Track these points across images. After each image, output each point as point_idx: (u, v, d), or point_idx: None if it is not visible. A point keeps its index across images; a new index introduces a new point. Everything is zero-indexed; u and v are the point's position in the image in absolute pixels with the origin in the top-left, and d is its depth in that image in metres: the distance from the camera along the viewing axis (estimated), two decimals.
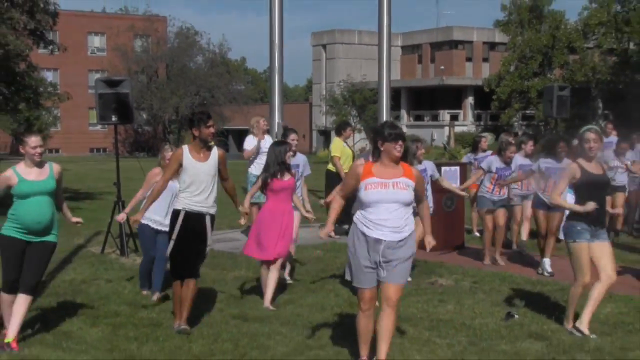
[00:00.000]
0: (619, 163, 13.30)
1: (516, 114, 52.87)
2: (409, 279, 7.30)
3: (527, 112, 52.87)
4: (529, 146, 11.75)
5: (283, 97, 15.12)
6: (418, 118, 60.03)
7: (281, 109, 14.44)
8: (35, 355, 6.65)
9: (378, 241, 6.14)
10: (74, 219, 7.30)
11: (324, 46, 65.26)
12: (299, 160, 10.30)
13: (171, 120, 60.58)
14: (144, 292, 9.09)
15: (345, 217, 13.85)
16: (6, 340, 6.74)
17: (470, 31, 63.09)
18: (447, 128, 52.12)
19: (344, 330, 7.43)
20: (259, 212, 8.85)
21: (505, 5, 53.89)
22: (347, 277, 6.41)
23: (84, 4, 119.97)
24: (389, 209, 6.14)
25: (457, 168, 11.88)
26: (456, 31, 62.53)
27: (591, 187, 7.45)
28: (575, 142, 11.25)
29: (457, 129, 52.29)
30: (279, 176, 8.60)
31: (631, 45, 50.80)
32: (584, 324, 7.36)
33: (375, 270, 6.20)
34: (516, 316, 7.94)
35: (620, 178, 13.43)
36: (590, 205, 7.28)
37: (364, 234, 6.19)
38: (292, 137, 10.09)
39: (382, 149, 6.23)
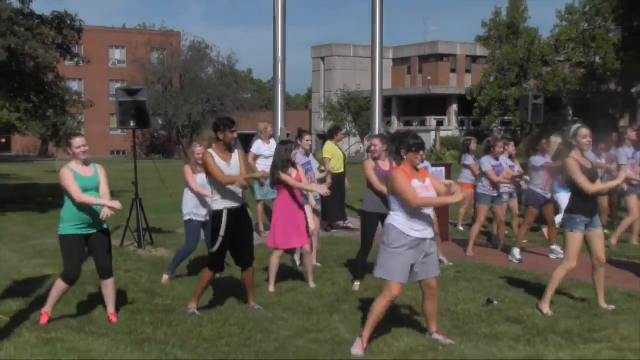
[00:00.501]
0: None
1: (495, 120, 52.91)
2: None
3: (505, 118, 52.87)
4: (511, 147, 11.85)
5: (285, 104, 15.09)
6: (407, 123, 59.98)
7: (284, 116, 14.41)
8: (61, 337, 6.62)
9: (423, 240, 6.31)
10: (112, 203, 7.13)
11: (323, 58, 65.27)
12: (311, 158, 10.47)
13: (184, 125, 60.51)
14: (166, 276, 9.11)
15: (341, 213, 13.92)
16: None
17: (454, 45, 63.12)
18: (433, 133, 52.14)
19: (341, 315, 7.42)
20: (277, 206, 8.78)
21: (485, 22, 53.97)
22: (379, 274, 6.40)
23: (106, 20, 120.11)
24: (428, 210, 6.36)
25: (443, 168, 11.83)
26: (442, 45, 62.57)
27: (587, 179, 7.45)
28: (554, 141, 11.33)
29: (443, 134, 52.35)
30: (285, 172, 8.57)
31: (597, 59, 50.87)
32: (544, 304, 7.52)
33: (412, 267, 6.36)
34: (495, 302, 7.90)
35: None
36: (623, 174, 7.75)
37: (409, 235, 6.24)
38: (307, 138, 10.52)
39: (405, 157, 6.33)
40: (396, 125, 58.80)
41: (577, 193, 7.49)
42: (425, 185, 6.33)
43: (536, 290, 8.52)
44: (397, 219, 6.28)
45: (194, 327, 7.00)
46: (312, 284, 8.79)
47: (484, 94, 51.97)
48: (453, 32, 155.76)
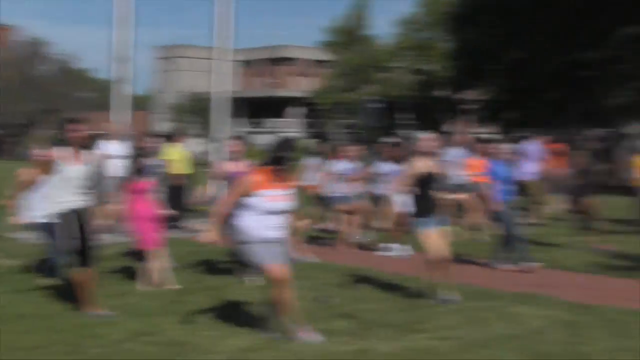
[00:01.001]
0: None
1: (338, 123, 53.98)
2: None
3: (348, 121, 54.05)
4: (353, 151, 12.23)
5: (130, 105, 14.82)
6: (255, 125, 60.11)
7: (128, 116, 14.15)
8: None
9: (275, 240, 6.48)
10: None
11: (169, 59, 64.19)
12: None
13: (21, 124, 57.54)
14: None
15: (182, 214, 13.80)
16: None
17: (300, 50, 63.88)
18: (280, 134, 52.53)
19: (176, 317, 7.28)
20: (134, 211, 8.66)
21: (329, 28, 54.96)
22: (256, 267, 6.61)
23: None
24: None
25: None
26: (287, 49, 63.13)
27: (425, 181, 7.89)
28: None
29: (289, 135, 52.84)
30: (137, 179, 8.55)
31: (431, 67, 53.09)
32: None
33: None
34: (333, 299, 8.08)
35: None
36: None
37: (260, 235, 6.40)
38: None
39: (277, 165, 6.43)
40: (244, 127, 58.75)
41: (418, 196, 7.98)
42: (281, 193, 6.42)
43: (372, 286, 8.83)
44: (246, 219, 6.42)
45: (21, 335, 6.64)
46: (173, 285, 8.69)
47: (328, 97, 52.92)
48: (299, 37, 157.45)
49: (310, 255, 10.72)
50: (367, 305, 7.86)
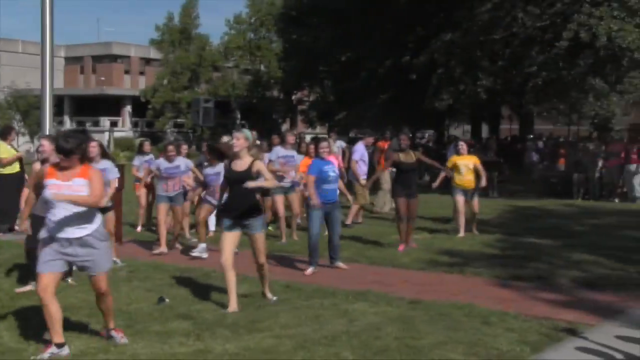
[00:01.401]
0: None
1: (169, 122, 53.12)
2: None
3: (178, 120, 53.30)
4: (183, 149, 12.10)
5: None
6: (80, 123, 57.62)
7: None
8: None
9: (67, 239, 5.99)
10: None
11: None
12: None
13: None
14: None
15: (13, 216, 13.05)
16: None
17: (128, 47, 62.16)
18: (107, 133, 50.90)
19: (5, 323, 6.90)
20: None
21: (159, 26, 53.96)
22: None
23: None
24: (66, 210, 5.97)
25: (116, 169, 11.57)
26: (115, 46, 61.31)
27: (234, 181, 7.78)
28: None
29: (117, 134, 51.37)
30: None
31: (262, 67, 53.57)
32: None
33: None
34: (167, 300, 7.91)
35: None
36: None
37: (48, 232, 6.00)
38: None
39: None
40: (68, 125, 56.43)
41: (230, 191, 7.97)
42: (65, 184, 5.95)
43: (205, 286, 8.70)
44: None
45: None
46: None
47: (158, 96, 51.90)
48: (127, 34, 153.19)
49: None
50: (202, 306, 7.75)
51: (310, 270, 9.80)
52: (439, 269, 9.96)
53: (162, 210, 11.38)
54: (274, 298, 8.06)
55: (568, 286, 8.95)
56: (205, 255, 10.78)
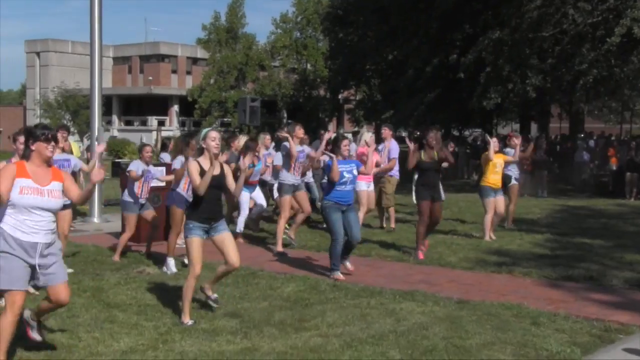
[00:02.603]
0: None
1: (215, 121, 53.57)
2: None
3: (225, 119, 53.75)
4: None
5: None
6: (128, 123, 58.72)
7: None
8: None
9: (35, 244, 5.60)
10: None
11: (38, 54, 61.71)
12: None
13: None
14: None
15: None
16: None
17: (175, 47, 62.86)
18: (154, 132, 51.54)
19: (57, 319, 7.04)
20: None
21: (205, 26, 54.45)
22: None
23: None
24: (40, 212, 5.64)
25: (164, 168, 11.71)
26: (163, 46, 62.03)
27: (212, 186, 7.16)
28: None
29: (164, 134, 51.76)
30: None
31: (308, 66, 53.69)
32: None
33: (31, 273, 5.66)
34: (214, 298, 7.98)
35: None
36: None
37: (17, 238, 5.55)
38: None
39: (32, 148, 5.71)
40: (117, 125, 57.32)
41: (193, 200, 7.31)
42: (40, 188, 5.62)
43: (252, 284, 8.76)
44: (6, 220, 5.59)
45: None
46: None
47: (205, 95, 52.39)
48: (174, 34, 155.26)
49: None
50: (250, 304, 7.80)
51: (338, 274, 9.23)
52: (487, 269, 9.88)
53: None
54: (214, 296, 7.66)
55: (620, 287, 8.81)
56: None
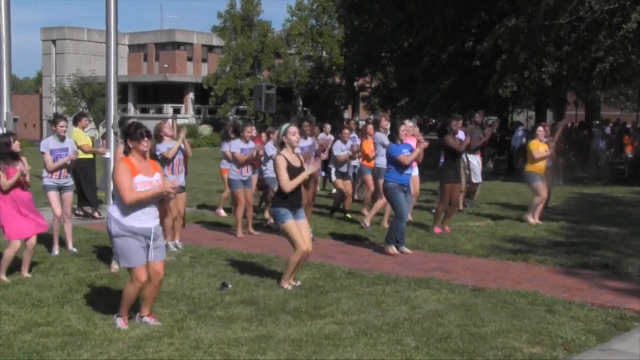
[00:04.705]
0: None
1: (231, 109, 53.61)
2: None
3: (241, 107, 53.76)
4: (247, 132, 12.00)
5: (11, 88, 14.09)
6: (144, 111, 58.86)
7: (10, 100, 13.45)
8: None
9: (146, 229, 6.34)
10: None
11: (54, 41, 61.90)
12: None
13: None
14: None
15: (93, 200, 13.44)
16: None
17: (190, 34, 62.87)
18: (170, 120, 51.47)
19: (73, 306, 7.10)
20: (4, 200, 8.25)
21: (220, 13, 54.42)
22: (123, 265, 6.51)
23: None
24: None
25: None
26: (178, 34, 62.06)
27: (294, 172, 7.85)
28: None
29: (180, 121, 51.90)
30: (10, 165, 8.19)
31: (324, 54, 53.55)
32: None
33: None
34: (230, 285, 8.01)
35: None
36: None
37: (127, 225, 6.27)
38: (61, 124, 10.40)
39: (131, 146, 6.37)
40: (132, 112, 57.46)
41: (278, 190, 8.02)
42: (150, 180, 6.36)
43: (267, 271, 8.78)
44: (115, 209, 6.34)
45: None
46: (26, 274, 8.42)
47: (220, 83, 52.40)
48: (189, 21, 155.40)
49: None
50: (265, 291, 7.82)
51: (392, 249, 10.03)
52: (503, 257, 9.84)
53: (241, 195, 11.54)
54: (298, 283, 8.10)
55: (635, 275, 8.76)
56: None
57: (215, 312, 7.01)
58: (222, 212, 13.98)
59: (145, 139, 6.37)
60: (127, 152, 6.42)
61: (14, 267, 8.55)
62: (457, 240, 11.07)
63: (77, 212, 13.26)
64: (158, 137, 10.41)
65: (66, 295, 7.55)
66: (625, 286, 8.16)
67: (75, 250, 10.05)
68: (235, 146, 11.69)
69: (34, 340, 6.06)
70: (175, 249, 10.19)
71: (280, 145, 8.06)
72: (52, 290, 7.76)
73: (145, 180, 6.31)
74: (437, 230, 11.65)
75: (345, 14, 37.45)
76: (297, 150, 8.35)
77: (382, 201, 11.77)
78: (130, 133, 6.36)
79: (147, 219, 6.34)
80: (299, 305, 7.23)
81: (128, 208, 6.26)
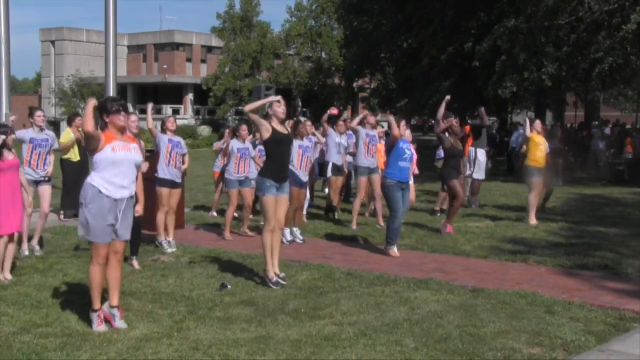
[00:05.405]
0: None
1: (230, 109, 53.62)
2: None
3: (240, 107, 53.68)
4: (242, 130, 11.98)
5: (10, 89, 14.10)
6: (143, 111, 58.65)
7: (8, 100, 13.48)
8: None
9: (120, 200, 6.37)
10: None
11: (53, 42, 61.89)
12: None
13: None
14: None
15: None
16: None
17: (189, 35, 62.88)
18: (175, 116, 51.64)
19: (72, 307, 7.10)
20: None
21: (220, 14, 54.42)
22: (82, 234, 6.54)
23: None
24: (126, 170, 6.43)
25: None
26: (177, 34, 62.07)
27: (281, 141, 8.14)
28: None
29: (179, 122, 51.88)
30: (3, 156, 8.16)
31: (323, 55, 53.57)
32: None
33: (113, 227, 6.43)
34: (229, 286, 8.01)
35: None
36: None
37: (105, 194, 6.29)
38: (38, 114, 10.22)
39: (107, 120, 6.38)
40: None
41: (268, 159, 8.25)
42: (127, 145, 6.42)
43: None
44: (94, 177, 6.34)
45: None
46: (8, 275, 8.33)
47: (219, 83, 52.39)
48: (188, 22, 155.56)
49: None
50: (264, 292, 7.82)
51: (393, 250, 10.00)
52: (502, 257, 9.85)
53: (234, 195, 11.51)
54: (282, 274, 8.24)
55: (635, 276, 8.76)
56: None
57: (214, 312, 7.00)
58: (215, 214, 13.97)
59: (122, 112, 6.39)
60: (103, 127, 6.42)
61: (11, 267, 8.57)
62: (457, 241, 11.07)
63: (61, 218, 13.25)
64: (162, 130, 10.46)
65: (65, 296, 7.55)
66: (624, 287, 8.16)
67: (38, 249, 9.92)
68: (231, 146, 11.65)
69: (33, 341, 6.06)
70: (168, 248, 10.16)
71: (265, 116, 8.11)
72: (51, 291, 7.75)
73: (121, 144, 6.34)
74: (450, 229, 11.63)
75: (345, 15, 37.49)
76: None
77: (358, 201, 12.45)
78: (106, 107, 6.37)
79: (120, 185, 6.35)
80: (298, 306, 7.23)
81: (102, 171, 6.30)
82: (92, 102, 6.35)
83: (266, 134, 8.07)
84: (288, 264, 9.26)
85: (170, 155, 10.28)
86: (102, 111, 6.38)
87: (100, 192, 6.27)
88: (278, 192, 8.11)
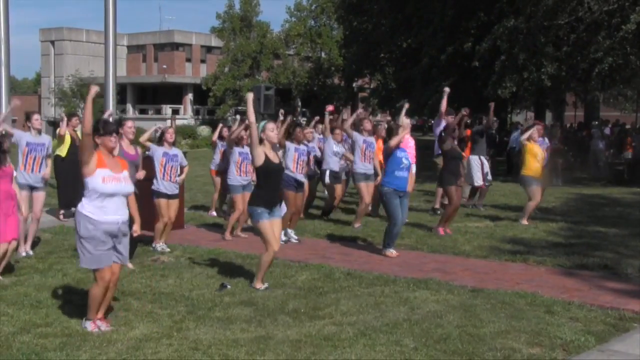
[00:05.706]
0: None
1: (230, 110, 53.60)
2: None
3: (240, 108, 53.69)
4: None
5: (10, 89, 14.10)
6: (143, 112, 58.83)
7: (8, 101, 13.47)
8: None
9: (114, 224, 6.35)
10: None
11: (53, 42, 61.87)
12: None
13: None
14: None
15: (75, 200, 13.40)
16: None
17: (189, 35, 62.87)
18: (169, 121, 51.46)
19: (71, 307, 7.10)
20: None
21: (219, 14, 54.42)
22: (85, 265, 6.49)
23: None
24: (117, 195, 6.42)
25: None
26: (177, 35, 62.07)
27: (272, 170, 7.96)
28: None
29: (178, 122, 51.95)
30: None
31: (323, 55, 53.57)
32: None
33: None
34: (229, 286, 8.02)
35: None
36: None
37: (99, 220, 6.27)
38: (35, 117, 10.20)
39: (98, 142, 6.39)
40: (131, 113, 57.44)
41: (258, 186, 8.11)
42: (117, 176, 6.35)
43: (267, 273, 8.74)
44: (85, 206, 6.29)
45: None
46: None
47: (219, 84, 52.38)
48: (188, 22, 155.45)
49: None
50: (264, 292, 7.83)
51: (391, 251, 9.99)
52: (502, 257, 9.85)
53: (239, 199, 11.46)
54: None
55: (635, 276, 8.76)
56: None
57: (214, 313, 7.01)
58: (214, 213, 13.95)
59: (114, 135, 6.42)
60: (95, 147, 6.42)
61: (10, 267, 8.57)
62: (456, 241, 11.07)
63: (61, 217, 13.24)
64: (160, 141, 10.38)
65: (65, 297, 7.55)
66: (624, 287, 8.17)
67: (31, 253, 9.88)
68: (233, 151, 11.61)
69: (32, 341, 6.07)
70: (162, 251, 10.15)
71: (260, 141, 7.93)
72: (50, 291, 7.76)
73: (111, 175, 6.31)
74: (441, 231, 11.63)
75: (344, 15, 37.45)
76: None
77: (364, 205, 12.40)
78: (97, 129, 6.38)
79: (112, 212, 6.32)
80: (297, 306, 7.24)
81: (94, 200, 6.27)
82: (95, 89, 6.34)
83: (258, 161, 7.86)
84: (288, 264, 9.27)
85: (164, 169, 10.22)
86: (94, 132, 6.39)
87: (93, 220, 6.24)
88: (271, 217, 7.93)
